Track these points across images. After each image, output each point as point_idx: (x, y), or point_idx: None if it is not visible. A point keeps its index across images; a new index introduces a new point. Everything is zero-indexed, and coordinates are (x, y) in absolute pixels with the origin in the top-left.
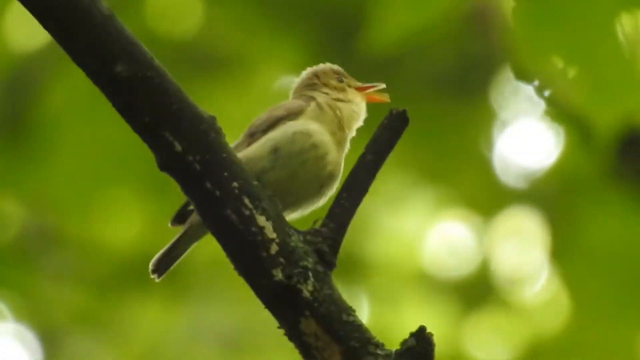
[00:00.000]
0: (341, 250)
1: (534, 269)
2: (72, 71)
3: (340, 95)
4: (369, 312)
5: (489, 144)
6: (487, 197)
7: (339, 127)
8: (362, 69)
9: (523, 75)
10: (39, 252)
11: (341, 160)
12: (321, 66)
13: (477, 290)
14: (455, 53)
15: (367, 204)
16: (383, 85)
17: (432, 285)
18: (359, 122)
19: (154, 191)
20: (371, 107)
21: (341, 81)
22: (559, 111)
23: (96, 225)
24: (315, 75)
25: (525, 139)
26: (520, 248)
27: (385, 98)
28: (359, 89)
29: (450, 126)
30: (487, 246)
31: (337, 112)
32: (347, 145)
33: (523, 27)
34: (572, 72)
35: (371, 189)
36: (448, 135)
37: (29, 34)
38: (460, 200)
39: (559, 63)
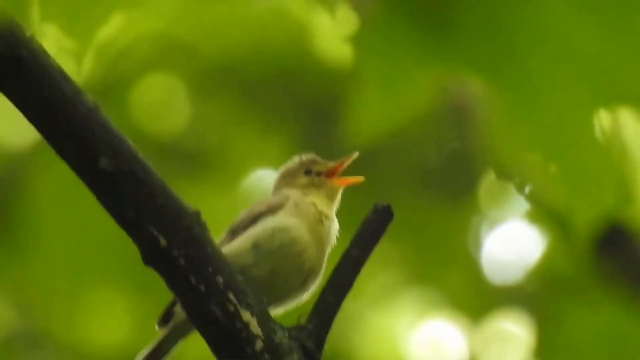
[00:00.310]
0: (326, 348)
1: None
2: (57, 166)
3: (311, 193)
4: None
5: (476, 244)
6: (474, 298)
7: (317, 221)
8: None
9: (503, 172)
10: (24, 353)
11: (324, 254)
12: (289, 164)
13: None
14: (440, 149)
15: (353, 302)
16: (354, 156)
17: None
18: (334, 208)
19: (139, 290)
20: (356, 202)
21: (309, 173)
22: (539, 209)
23: (81, 325)
24: (284, 174)
25: (512, 238)
26: (506, 351)
27: (359, 179)
28: (330, 173)
29: (437, 224)
30: (473, 348)
31: (313, 207)
32: (332, 240)
33: (500, 122)
34: (550, 168)
35: (357, 287)
36: (434, 233)
37: (15, 129)
38: (447, 301)
39: (537, 159)
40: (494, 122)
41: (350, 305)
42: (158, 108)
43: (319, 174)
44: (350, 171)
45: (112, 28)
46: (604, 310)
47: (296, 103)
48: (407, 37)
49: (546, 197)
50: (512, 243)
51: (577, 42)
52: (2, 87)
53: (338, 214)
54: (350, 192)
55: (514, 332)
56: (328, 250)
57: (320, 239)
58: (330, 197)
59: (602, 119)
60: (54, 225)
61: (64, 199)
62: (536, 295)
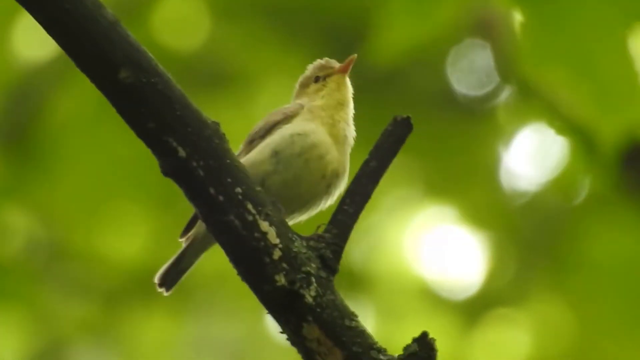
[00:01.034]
0: (345, 263)
1: (537, 284)
2: (78, 82)
3: (322, 96)
4: (373, 325)
5: (496, 158)
6: (493, 212)
7: (331, 125)
8: (367, 82)
9: (528, 87)
10: (45, 264)
11: (345, 157)
12: (303, 74)
13: (481, 305)
14: (462, 67)
15: (373, 217)
16: (354, 55)
17: (436, 299)
18: (350, 107)
19: (160, 203)
20: (377, 116)
21: (317, 80)
22: (564, 123)
23: (102, 237)
24: (301, 82)
25: (533, 152)
26: (524, 263)
27: (352, 58)
28: (340, 71)
29: (457, 141)
30: (491, 260)
31: (329, 111)
32: (351, 140)
33: (529, 39)
34: (577, 84)
35: (378, 202)
36: (455, 150)
37: (36, 44)
38: (466, 215)
39: (564, 74)
40: (521, 38)
41: (369, 220)
42: (180, 25)
43: (325, 78)
44: (373, 89)
45: None
46: (626, 225)
47: (319, 20)
48: None
49: (572, 111)
50: (532, 157)
51: None
52: (24, 0)
53: (359, 131)
54: (372, 107)
55: (533, 245)
56: (348, 152)
57: (338, 141)
58: (337, 96)
59: (634, 36)
60: (75, 139)
61: (84, 111)
62: (557, 208)
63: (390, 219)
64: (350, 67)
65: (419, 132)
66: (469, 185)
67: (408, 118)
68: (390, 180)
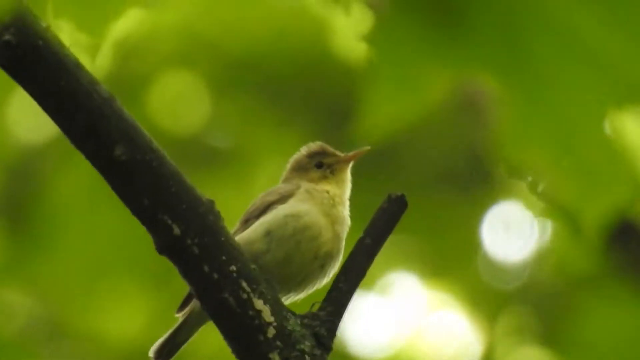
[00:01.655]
0: (338, 335)
1: None
2: (76, 163)
3: (323, 182)
4: None
5: (487, 240)
6: (488, 294)
7: (331, 206)
8: (362, 159)
9: (514, 170)
10: (44, 343)
11: (341, 238)
12: (298, 155)
13: None
14: (456, 145)
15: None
16: (367, 148)
17: None
18: (348, 192)
19: (157, 281)
20: (371, 193)
21: (320, 166)
22: (550, 206)
23: (99, 315)
24: (297, 164)
25: (524, 235)
26: (521, 344)
27: (364, 150)
28: (340, 162)
29: (451, 220)
30: (488, 344)
31: (325, 193)
32: (347, 222)
33: (512, 120)
34: (561, 166)
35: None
36: (450, 229)
37: (34, 124)
38: (463, 297)
39: (548, 156)
40: (506, 120)
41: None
42: (177, 104)
43: (330, 166)
44: (364, 167)
45: (130, 22)
46: (618, 303)
47: (312, 99)
48: (420, 35)
49: (557, 194)
50: (524, 240)
51: (589, 44)
52: (19, 76)
53: (354, 209)
54: (366, 186)
55: (529, 327)
56: (344, 233)
57: (335, 222)
58: (341, 185)
59: (613, 119)
60: (72, 217)
61: (81, 191)
62: (551, 290)
63: (387, 300)
64: (358, 158)
65: (414, 210)
66: (465, 266)
67: (402, 196)
68: (385, 259)
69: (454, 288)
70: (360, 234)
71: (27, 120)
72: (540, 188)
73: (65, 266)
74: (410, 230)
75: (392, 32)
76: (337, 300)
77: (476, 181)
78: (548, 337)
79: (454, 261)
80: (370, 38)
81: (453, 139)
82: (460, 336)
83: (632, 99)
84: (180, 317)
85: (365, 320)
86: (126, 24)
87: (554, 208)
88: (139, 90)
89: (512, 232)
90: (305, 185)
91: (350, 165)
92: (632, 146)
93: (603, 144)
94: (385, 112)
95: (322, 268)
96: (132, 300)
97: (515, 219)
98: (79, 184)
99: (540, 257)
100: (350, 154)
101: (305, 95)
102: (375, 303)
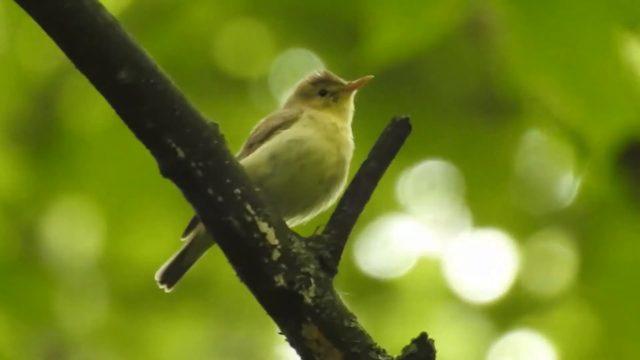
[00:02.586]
0: (343, 258)
1: (563, 291)
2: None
3: (326, 109)
4: (398, 332)
5: (519, 167)
6: (519, 219)
7: (334, 131)
8: (376, 82)
9: (523, 93)
10: (66, 266)
11: (345, 161)
12: (303, 81)
13: (507, 311)
14: (469, 71)
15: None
16: (371, 77)
17: (462, 306)
18: (350, 118)
19: (182, 207)
20: (378, 116)
21: (323, 93)
22: (556, 128)
23: (126, 240)
24: (301, 90)
25: (553, 162)
26: (550, 270)
27: (367, 78)
28: (350, 89)
29: (481, 147)
30: (518, 267)
31: (329, 118)
32: (351, 145)
33: (518, 43)
34: (568, 88)
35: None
36: (479, 157)
37: (52, 50)
38: (493, 222)
39: (554, 79)
40: (513, 44)
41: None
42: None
43: (333, 94)
44: (377, 91)
45: None
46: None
47: (322, 21)
48: None
49: (566, 116)
50: (553, 167)
51: None
52: (24, 2)
53: (364, 133)
54: (378, 111)
55: (558, 252)
56: (349, 157)
57: (339, 147)
58: (343, 113)
59: (619, 41)
60: (97, 143)
61: (102, 116)
62: (577, 217)
63: (415, 222)
64: (360, 86)
65: (439, 134)
66: (495, 192)
67: (407, 119)
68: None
69: (485, 211)
70: (365, 156)
71: (47, 45)
72: (547, 110)
73: (91, 191)
74: (440, 155)
75: None
76: (341, 223)
77: (495, 107)
78: (579, 267)
79: (485, 186)
80: None
81: (465, 65)
82: (490, 258)
83: (636, 22)
84: (185, 241)
85: (385, 241)
86: None
87: (566, 131)
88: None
89: (540, 161)
90: (308, 111)
91: (354, 93)
92: (638, 68)
93: (610, 65)
94: (390, 35)
95: (327, 192)
96: (158, 225)
97: (543, 149)
98: (99, 109)
99: (565, 185)
100: (354, 82)
101: (320, 22)
102: (400, 223)
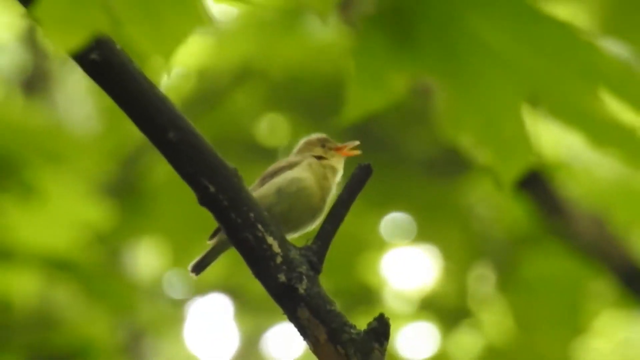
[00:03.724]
0: (325, 262)
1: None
2: None
3: (323, 160)
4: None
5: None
6: (464, 246)
7: (324, 178)
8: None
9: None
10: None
11: (325, 202)
12: (310, 137)
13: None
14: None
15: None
16: (356, 143)
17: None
18: (339, 175)
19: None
20: (348, 162)
21: (323, 146)
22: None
23: (183, 261)
24: (305, 144)
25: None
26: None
27: (356, 152)
28: (337, 149)
29: (435, 199)
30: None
31: (322, 169)
32: (332, 191)
33: (448, 106)
34: (483, 140)
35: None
36: (433, 207)
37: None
38: (444, 250)
39: (475, 132)
40: (446, 107)
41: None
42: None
43: (330, 148)
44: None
45: (198, 49)
46: (551, 255)
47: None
48: (385, 48)
49: (483, 159)
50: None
51: (502, 54)
52: (101, 83)
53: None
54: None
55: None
56: (329, 197)
57: (323, 189)
58: (335, 167)
59: (522, 109)
60: (168, 192)
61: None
62: (503, 244)
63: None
64: (350, 154)
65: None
66: (446, 228)
67: (369, 165)
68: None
69: (438, 246)
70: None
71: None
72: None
73: (163, 229)
74: (404, 207)
75: (367, 47)
76: (324, 237)
77: (445, 163)
78: (502, 282)
79: (438, 227)
80: (353, 51)
81: (419, 122)
82: (438, 280)
83: (532, 94)
84: (210, 243)
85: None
86: (195, 50)
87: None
88: (209, 104)
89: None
90: (308, 159)
91: (344, 157)
92: (533, 124)
93: (514, 123)
94: (362, 102)
95: (313, 217)
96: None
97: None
98: (166, 168)
99: (495, 224)
100: (346, 148)
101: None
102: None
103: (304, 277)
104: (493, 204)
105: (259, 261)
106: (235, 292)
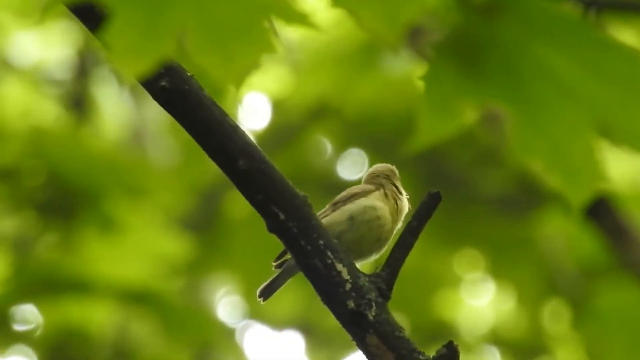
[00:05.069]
0: (394, 289)
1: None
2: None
3: (397, 194)
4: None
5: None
6: (538, 282)
7: (394, 210)
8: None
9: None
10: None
11: (394, 230)
12: (382, 166)
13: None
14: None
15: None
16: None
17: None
18: (405, 213)
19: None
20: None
21: (397, 187)
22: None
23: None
24: (386, 172)
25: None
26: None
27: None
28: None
29: (508, 236)
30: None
31: (395, 201)
32: (399, 225)
33: (516, 135)
34: (551, 168)
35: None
36: (505, 243)
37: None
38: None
39: (542, 161)
40: (514, 135)
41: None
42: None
43: (396, 186)
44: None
45: (276, 82)
46: (624, 290)
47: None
48: (456, 77)
49: (551, 187)
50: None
51: (570, 84)
52: (171, 111)
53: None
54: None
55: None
56: (397, 227)
57: (394, 219)
58: (405, 204)
59: (592, 138)
60: (243, 227)
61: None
62: (575, 279)
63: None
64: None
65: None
66: (519, 264)
67: (438, 192)
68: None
69: (512, 282)
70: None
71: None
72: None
73: (237, 262)
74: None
75: (437, 75)
76: (393, 265)
77: (517, 200)
78: (575, 317)
79: (513, 265)
80: (424, 79)
81: (490, 163)
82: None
83: (599, 125)
84: (275, 265)
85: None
86: (274, 83)
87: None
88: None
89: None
90: (382, 189)
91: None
92: (602, 150)
93: (582, 150)
94: (432, 130)
95: (380, 246)
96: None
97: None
98: (243, 203)
99: (567, 258)
100: (405, 193)
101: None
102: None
103: (373, 303)
104: (565, 238)
105: (328, 288)
106: (307, 328)
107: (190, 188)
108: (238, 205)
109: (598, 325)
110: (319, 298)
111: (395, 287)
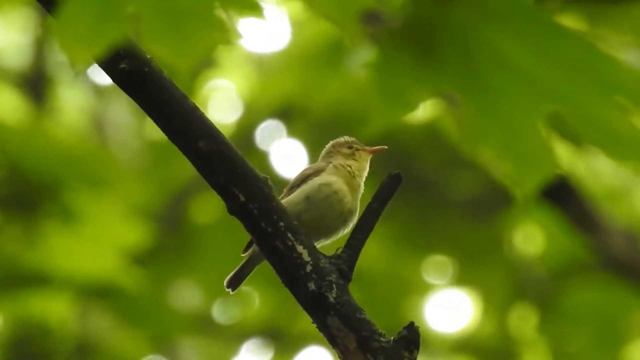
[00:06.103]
0: (355, 271)
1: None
2: (210, 193)
3: (350, 160)
4: None
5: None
6: (505, 282)
7: (351, 177)
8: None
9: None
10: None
11: (357, 200)
12: (337, 140)
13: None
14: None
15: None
16: (385, 147)
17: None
18: (366, 172)
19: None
20: (378, 172)
21: (351, 148)
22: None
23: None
24: (332, 146)
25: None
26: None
27: (384, 147)
28: (368, 150)
29: (479, 239)
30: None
31: (349, 168)
32: (362, 189)
33: (469, 122)
34: (502, 154)
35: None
36: (472, 247)
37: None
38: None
39: (494, 147)
40: (467, 122)
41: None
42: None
43: (357, 150)
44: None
45: (243, 83)
46: (594, 287)
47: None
48: (408, 64)
49: (502, 173)
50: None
51: (522, 70)
52: (131, 93)
53: (369, 188)
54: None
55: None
56: (359, 196)
57: (353, 189)
58: (362, 164)
59: (541, 125)
60: (211, 231)
61: (214, 213)
62: (544, 278)
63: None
64: (377, 152)
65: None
66: (488, 269)
67: (399, 173)
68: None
69: (479, 287)
70: (369, 200)
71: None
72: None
73: (205, 264)
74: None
75: (389, 62)
76: (354, 246)
77: (486, 203)
78: (542, 320)
79: (481, 270)
80: (372, 65)
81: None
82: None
83: (551, 107)
84: (245, 256)
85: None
86: (241, 84)
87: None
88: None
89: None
90: (334, 162)
91: (370, 156)
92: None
93: (534, 137)
94: (384, 116)
95: (345, 222)
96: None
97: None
98: (212, 210)
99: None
100: (373, 148)
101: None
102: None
103: (334, 285)
104: (533, 238)
105: (289, 270)
106: (274, 335)
107: (160, 191)
108: (206, 209)
109: (565, 325)
110: (280, 279)
111: (363, 292)
